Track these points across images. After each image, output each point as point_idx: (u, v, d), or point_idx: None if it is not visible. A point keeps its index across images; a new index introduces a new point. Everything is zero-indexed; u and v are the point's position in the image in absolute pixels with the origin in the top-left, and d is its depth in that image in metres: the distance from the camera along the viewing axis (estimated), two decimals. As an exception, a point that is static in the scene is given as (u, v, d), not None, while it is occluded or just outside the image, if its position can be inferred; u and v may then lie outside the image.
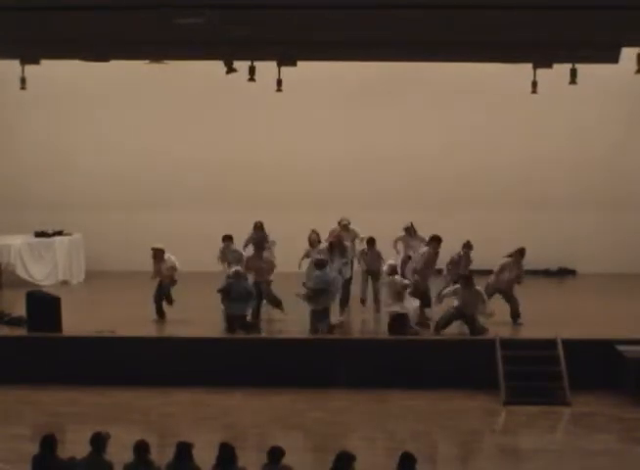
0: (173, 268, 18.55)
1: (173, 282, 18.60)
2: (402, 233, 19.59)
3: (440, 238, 18.30)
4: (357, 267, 19.51)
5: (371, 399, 15.87)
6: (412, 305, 17.25)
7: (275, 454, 10.30)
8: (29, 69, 18.34)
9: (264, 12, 13.37)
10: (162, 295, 18.51)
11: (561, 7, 13.03)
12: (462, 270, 18.31)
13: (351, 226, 19.66)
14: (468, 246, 18.57)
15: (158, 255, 18.56)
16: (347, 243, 19.10)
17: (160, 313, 18.48)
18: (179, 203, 23.54)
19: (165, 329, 18.06)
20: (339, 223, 19.64)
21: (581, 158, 23.26)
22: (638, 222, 23.25)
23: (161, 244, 18.77)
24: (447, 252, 18.74)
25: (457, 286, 17.26)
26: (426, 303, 18.11)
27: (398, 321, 16.82)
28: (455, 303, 17.13)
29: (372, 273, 19.15)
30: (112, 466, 10.37)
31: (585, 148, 23.24)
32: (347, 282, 18.76)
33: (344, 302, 18.61)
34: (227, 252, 19.27)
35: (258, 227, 19.62)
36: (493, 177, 23.31)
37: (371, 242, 19.13)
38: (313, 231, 19.10)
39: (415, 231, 19.45)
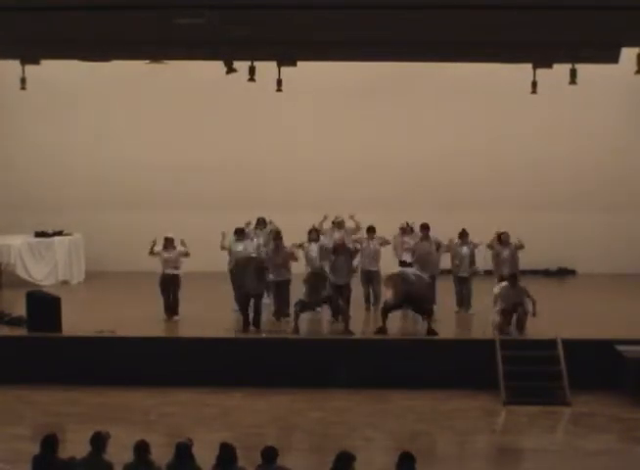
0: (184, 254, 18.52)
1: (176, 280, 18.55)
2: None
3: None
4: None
5: (371, 398, 15.88)
6: None
7: (269, 455, 10.27)
8: (29, 69, 18.35)
9: (264, 12, 13.36)
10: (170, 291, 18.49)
11: (561, 7, 13.03)
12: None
13: (347, 225, 19.55)
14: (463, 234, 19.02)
15: (168, 243, 18.49)
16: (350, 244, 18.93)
17: (170, 310, 18.48)
18: (179, 203, 23.54)
19: (166, 329, 18.06)
20: (332, 223, 19.52)
21: (581, 158, 23.26)
22: (638, 223, 23.26)
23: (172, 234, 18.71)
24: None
25: (503, 285, 17.25)
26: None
27: None
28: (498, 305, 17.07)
29: (369, 273, 19.17)
30: (111, 466, 10.36)
31: (585, 148, 23.24)
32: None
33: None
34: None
35: (261, 222, 19.44)
36: (493, 178, 23.31)
37: (371, 230, 19.08)
38: (314, 228, 18.92)
39: (412, 229, 19.37)
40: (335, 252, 18.23)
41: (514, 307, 17.03)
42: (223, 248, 18.89)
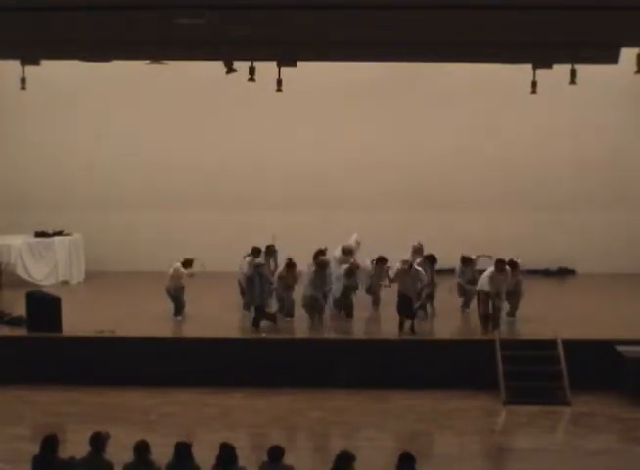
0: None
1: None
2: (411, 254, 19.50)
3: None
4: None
5: (371, 398, 15.88)
6: None
7: (275, 454, 10.32)
8: (29, 69, 18.36)
9: (264, 12, 13.36)
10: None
11: (561, 7, 13.02)
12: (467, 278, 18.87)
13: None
14: (465, 261, 18.92)
15: (188, 264, 18.59)
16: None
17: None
18: (179, 203, 23.54)
19: (166, 329, 18.05)
20: (343, 250, 19.54)
21: (581, 158, 23.26)
22: (638, 223, 23.26)
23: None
24: (450, 253, 18.87)
25: (490, 271, 17.39)
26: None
27: None
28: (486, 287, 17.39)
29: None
30: (111, 466, 10.37)
31: (585, 148, 23.26)
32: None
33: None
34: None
35: (272, 251, 19.64)
36: (493, 178, 23.31)
37: (380, 261, 19.14)
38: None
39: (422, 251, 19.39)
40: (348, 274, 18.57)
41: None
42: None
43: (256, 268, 18.28)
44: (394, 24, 13.71)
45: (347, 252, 19.05)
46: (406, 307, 17.38)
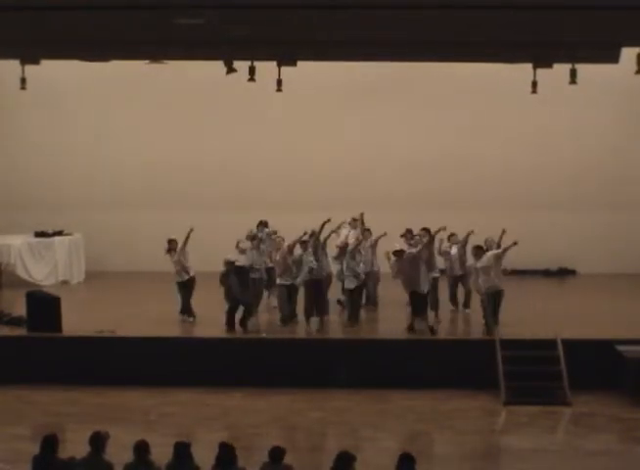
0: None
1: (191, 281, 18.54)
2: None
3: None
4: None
5: (371, 398, 15.88)
6: None
7: (276, 454, 10.31)
8: (29, 69, 18.37)
9: (264, 12, 13.36)
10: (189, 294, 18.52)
11: (561, 7, 13.02)
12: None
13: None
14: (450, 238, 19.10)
15: (172, 246, 18.48)
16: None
17: (191, 312, 18.52)
18: (179, 203, 23.53)
19: (166, 329, 18.04)
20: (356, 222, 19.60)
21: (582, 158, 23.27)
22: (638, 223, 23.26)
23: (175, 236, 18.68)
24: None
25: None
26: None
27: None
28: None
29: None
30: (111, 466, 10.36)
31: (585, 148, 23.26)
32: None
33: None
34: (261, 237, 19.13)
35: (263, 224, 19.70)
36: (493, 178, 23.31)
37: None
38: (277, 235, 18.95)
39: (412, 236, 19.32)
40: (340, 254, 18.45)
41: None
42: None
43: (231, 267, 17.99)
44: (394, 24, 13.72)
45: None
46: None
